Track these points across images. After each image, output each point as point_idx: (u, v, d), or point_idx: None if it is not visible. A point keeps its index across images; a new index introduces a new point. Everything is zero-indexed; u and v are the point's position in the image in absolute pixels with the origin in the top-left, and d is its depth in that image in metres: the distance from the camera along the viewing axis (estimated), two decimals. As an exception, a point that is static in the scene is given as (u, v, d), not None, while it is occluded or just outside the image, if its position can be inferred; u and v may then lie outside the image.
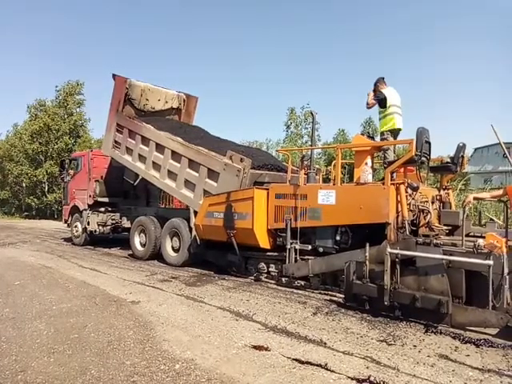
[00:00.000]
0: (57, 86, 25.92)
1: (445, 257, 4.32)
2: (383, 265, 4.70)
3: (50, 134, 24.93)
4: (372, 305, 4.86)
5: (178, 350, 3.82)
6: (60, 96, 25.79)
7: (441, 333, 4.24)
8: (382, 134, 6.17)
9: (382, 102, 6.08)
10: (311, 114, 7.00)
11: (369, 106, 6.20)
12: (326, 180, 7.69)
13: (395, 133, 6.12)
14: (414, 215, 5.44)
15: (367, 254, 4.83)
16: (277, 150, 10.81)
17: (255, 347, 3.88)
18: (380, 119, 6.23)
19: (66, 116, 25.64)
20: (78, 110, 26.55)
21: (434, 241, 4.62)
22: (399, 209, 5.19)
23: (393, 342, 3.99)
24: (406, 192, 5.26)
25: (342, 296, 5.50)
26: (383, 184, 5.24)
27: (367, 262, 4.84)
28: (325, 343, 3.99)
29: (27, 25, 70.87)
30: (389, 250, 4.56)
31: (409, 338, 4.13)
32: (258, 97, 79.77)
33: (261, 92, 78.73)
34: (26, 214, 27.17)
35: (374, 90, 6.24)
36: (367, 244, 4.84)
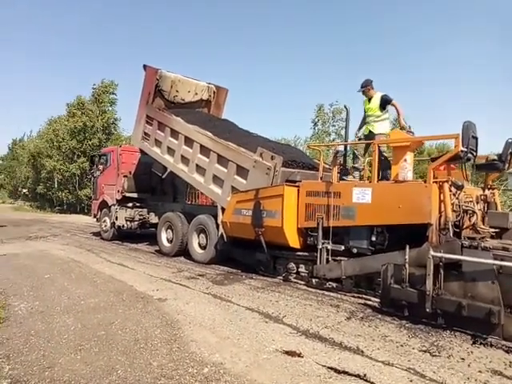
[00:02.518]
0: (94, 84, 26.54)
1: (496, 262, 3.95)
2: (424, 269, 4.38)
3: (86, 131, 25.60)
4: (411, 311, 4.54)
5: (206, 353, 3.66)
6: (95, 94, 26.38)
7: (491, 345, 3.88)
8: (378, 135, 6.38)
9: (384, 104, 6.41)
10: (345, 107, 6.70)
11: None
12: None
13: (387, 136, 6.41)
14: (457, 216, 5.05)
15: (407, 256, 4.50)
16: (308, 146, 10.45)
17: (287, 353, 3.67)
18: (377, 121, 6.50)
19: (99, 113, 26.21)
20: (110, 108, 27.10)
21: (482, 244, 4.24)
22: (442, 209, 4.83)
23: (437, 353, 3.68)
24: (450, 191, 4.89)
25: (378, 300, 5.19)
26: (425, 182, 4.89)
27: (407, 266, 4.51)
28: (362, 351, 3.73)
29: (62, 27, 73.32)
30: (432, 253, 4.22)
31: (455, 349, 3.80)
32: (287, 94, 78.82)
33: (289, 89, 77.77)
34: (58, 208, 27.99)
35: (363, 92, 6.61)
36: (407, 246, 4.52)
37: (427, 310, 4.26)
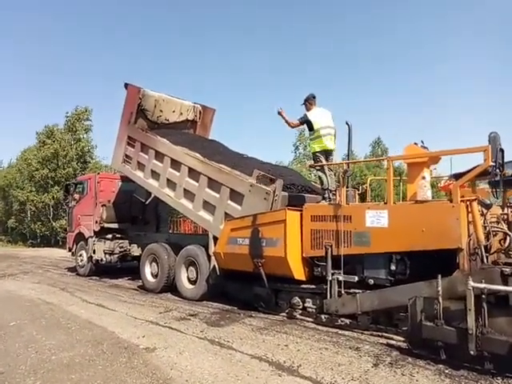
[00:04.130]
0: (67, 112, 25.67)
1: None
2: (459, 302, 3.78)
3: (58, 160, 24.53)
4: (449, 353, 3.86)
5: (213, 427, 2.86)
6: (69, 122, 25.50)
7: (558, 396, 3.24)
8: (315, 154, 6.24)
9: (308, 125, 6.21)
10: (347, 124, 6.19)
11: (292, 126, 6.45)
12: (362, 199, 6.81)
13: (328, 153, 6.23)
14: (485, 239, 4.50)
15: (440, 288, 3.87)
16: (310, 166, 9.93)
17: (315, 420, 2.91)
18: (311, 140, 6.33)
19: (73, 141, 25.28)
20: (85, 135, 26.20)
21: (528, 271, 3.67)
22: (471, 231, 4.27)
23: (498, 411, 3.00)
24: (479, 211, 4.36)
25: (401, 339, 4.52)
26: (451, 201, 4.34)
27: (440, 299, 3.87)
28: (406, 412, 3.01)
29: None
30: (472, 283, 3.61)
31: (517, 403, 3.13)
32: (268, 116, 78.52)
33: (269, 113, 77.63)
34: (31, 242, 26.35)
35: (305, 107, 6.35)
36: (439, 276, 3.90)
37: (471, 352, 3.60)
